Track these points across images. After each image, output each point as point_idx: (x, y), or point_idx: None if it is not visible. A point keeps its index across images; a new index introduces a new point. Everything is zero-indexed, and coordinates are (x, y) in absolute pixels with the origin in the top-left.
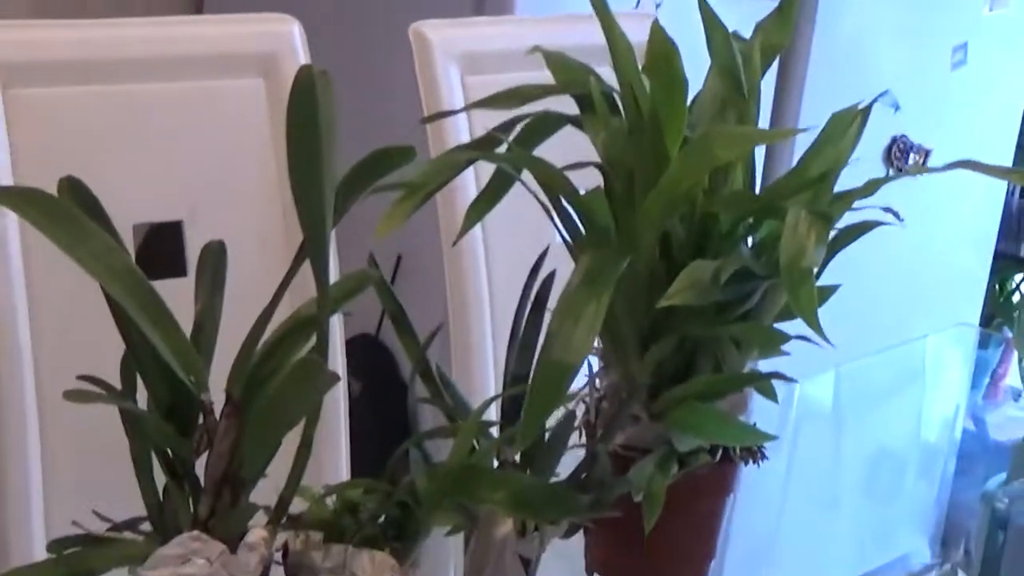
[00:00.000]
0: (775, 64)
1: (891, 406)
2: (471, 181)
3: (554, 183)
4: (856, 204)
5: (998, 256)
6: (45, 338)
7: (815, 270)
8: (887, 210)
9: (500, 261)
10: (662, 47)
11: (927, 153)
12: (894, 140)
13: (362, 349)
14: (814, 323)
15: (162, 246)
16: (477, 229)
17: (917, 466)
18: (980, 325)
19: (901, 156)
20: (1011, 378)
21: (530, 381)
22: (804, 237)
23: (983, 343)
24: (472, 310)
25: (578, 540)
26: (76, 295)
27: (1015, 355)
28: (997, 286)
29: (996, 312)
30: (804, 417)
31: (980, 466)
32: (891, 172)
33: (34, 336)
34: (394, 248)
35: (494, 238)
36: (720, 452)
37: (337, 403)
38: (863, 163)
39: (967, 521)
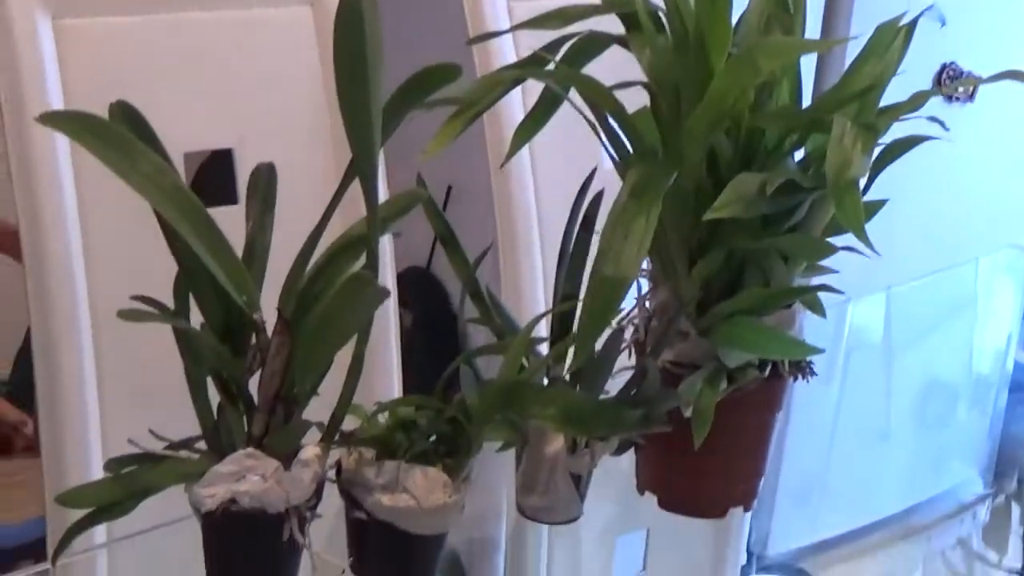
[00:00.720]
0: None
1: (943, 333)
2: (519, 106)
3: (602, 101)
4: (906, 118)
5: None
6: (98, 260)
7: (861, 181)
8: (932, 119)
9: (548, 183)
10: None
11: (977, 80)
12: (944, 67)
13: (413, 281)
14: (860, 232)
15: (214, 173)
16: (525, 152)
17: (969, 396)
18: None
19: (951, 83)
20: None
21: (582, 298)
22: (849, 148)
23: None
24: (520, 232)
25: (630, 459)
26: (128, 218)
27: None
28: None
29: None
30: (855, 343)
31: None
32: (940, 98)
33: (87, 258)
34: (445, 178)
35: (542, 161)
36: (769, 367)
37: (388, 325)
38: (913, 87)
39: (1020, 452)
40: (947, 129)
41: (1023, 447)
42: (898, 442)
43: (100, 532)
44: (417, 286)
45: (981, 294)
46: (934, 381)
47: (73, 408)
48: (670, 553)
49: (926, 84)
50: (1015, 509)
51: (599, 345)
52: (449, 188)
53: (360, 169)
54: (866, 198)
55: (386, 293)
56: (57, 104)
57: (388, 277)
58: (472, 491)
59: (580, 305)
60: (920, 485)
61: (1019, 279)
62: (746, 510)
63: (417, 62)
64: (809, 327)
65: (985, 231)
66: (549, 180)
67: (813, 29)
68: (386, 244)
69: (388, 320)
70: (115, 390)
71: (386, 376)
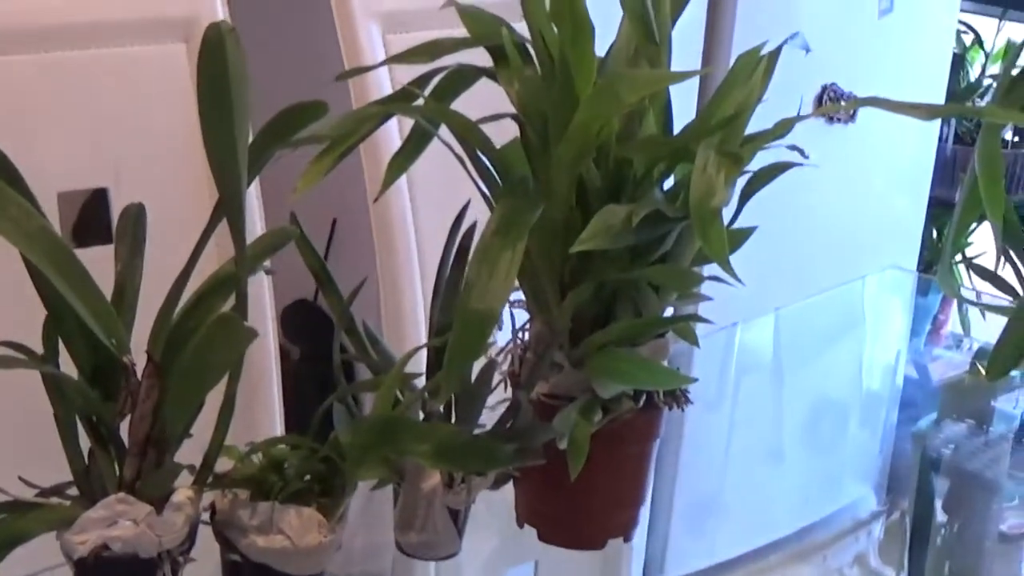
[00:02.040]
0: (704, 11)
1: (832, 352)
2: (396, 138)
3: (469, 135)
4: (775, 145)
5: (933, 202)
6: None
7: (727, 211)
8: (792, 148)
9: (427, 215)
10: None
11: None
12: (824, 88)
13: (300, 314)
14: (724, 262)
15: (95, 212)
16: (403, 185)
17: (859, 414)
18: (919, 271)
19: (829, 104)
20: (953, 325)
21: (451, 332)
22: (713, 177)
23: (923, 290)
24: (401, 265)
25: (512, 491)
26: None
27: (955, 301)
28: (935, 232)
29: (934, 259)
30: (745, 366)
31: (923, 413)
32: (820, 119)
33: None
34: (330, 211)
35: (420, 193)
36: (644, 397)
37: (268, 363)
38: (791, 110)
39: (911, 468)
40: (806, 156)
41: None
42: (791, 462)
43: None
44: (304, 319)
45: (868, 313)
46: (825, 400)
47: None
48: None
49: (808, 106)
50: (908, 525)
51: (473, 378)
52: (334, 221)
53: (227, 209)
54: (736, 225)
55: (254, 334)
56: None
57: (267, 314)
58: (358, 526)
59: None
60: (815, 504)
61: (905, 297)
62: (626, 540)
63: (295, 97)
64: (698, 352)
65: (870, 250)
66: (429, 212)
67: (693, 56)
68: (264, 280)
69: (268, 358)
70: None
71: (268, 414)
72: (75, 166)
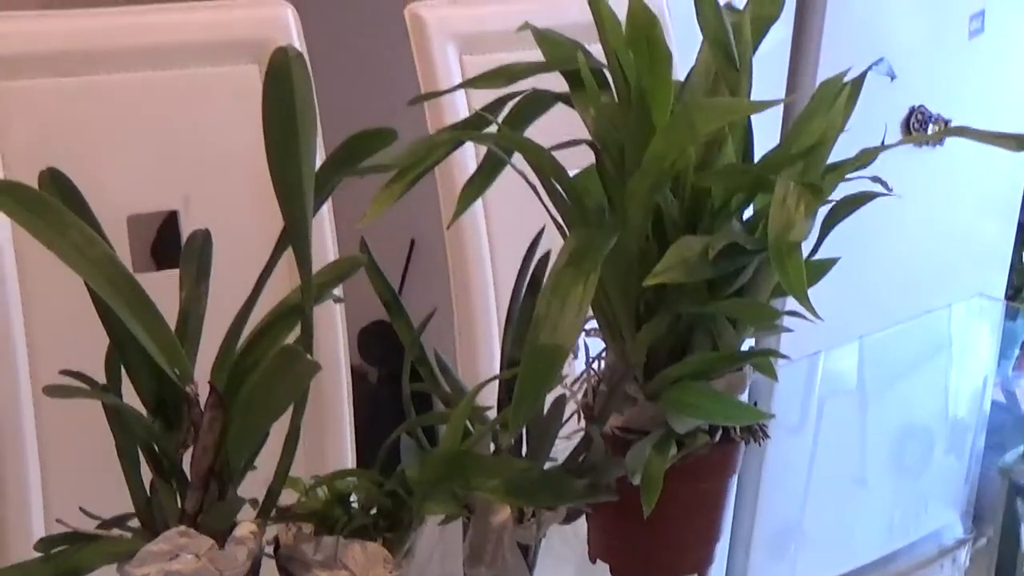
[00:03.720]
0: (789, 36)
1: (917, 379)
2: (472, 160)
3: (543, 164)
4: (858, 176)
5: (1022, 228)
6: (40, 334)
7: (806, 244)
8: (875, 179)
9: (503, 242)
10: (642, 17)
11: (946, 123)
12: (912, 111)
13: (377, 336)
14: (803, 298)
15: (167, 235)
16: (479, 211)
17: (946, 440)
18: (1007, 298)
19: (920, 127)
20: None
21: (520, 366)
22: (792, 210)
23: (1011, 315)
24: (475, 293)
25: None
26: (70, 288)
27: None
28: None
29: (1023, 285)
30: (828, 392)
31: (1011, 439)
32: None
33: (29, 332)
34: (408, 232)
35: (496, 218)
36: (720, 432)
37: (340, 392)
38: (876, 134)
39: (999, 495)
40: (889, 189)
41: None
42: (876, 488)
43: None
44: (381, 340)
45: (955, 339)
46: (911, 426)
47: (15, 488)
48: None
49: (895, 129)
50: (996, 555)
51: (545, 410)
52: (412, 242)
53: (292, 237)
54: (817, 255)
55: (317, 367)
56: None
57: (339, 341)
58: (431, 557)
59: None
60: (899, 531)
61: (993, 324)
62: None
63: (370, 120)
64: (782, 378)
65: (957, 277)
66: (505, 238)
67: (777, 82)
68: (335, 307)
69: (339, 386)
70: (59, 468)
71: (338, 444)
72: (145, 189)
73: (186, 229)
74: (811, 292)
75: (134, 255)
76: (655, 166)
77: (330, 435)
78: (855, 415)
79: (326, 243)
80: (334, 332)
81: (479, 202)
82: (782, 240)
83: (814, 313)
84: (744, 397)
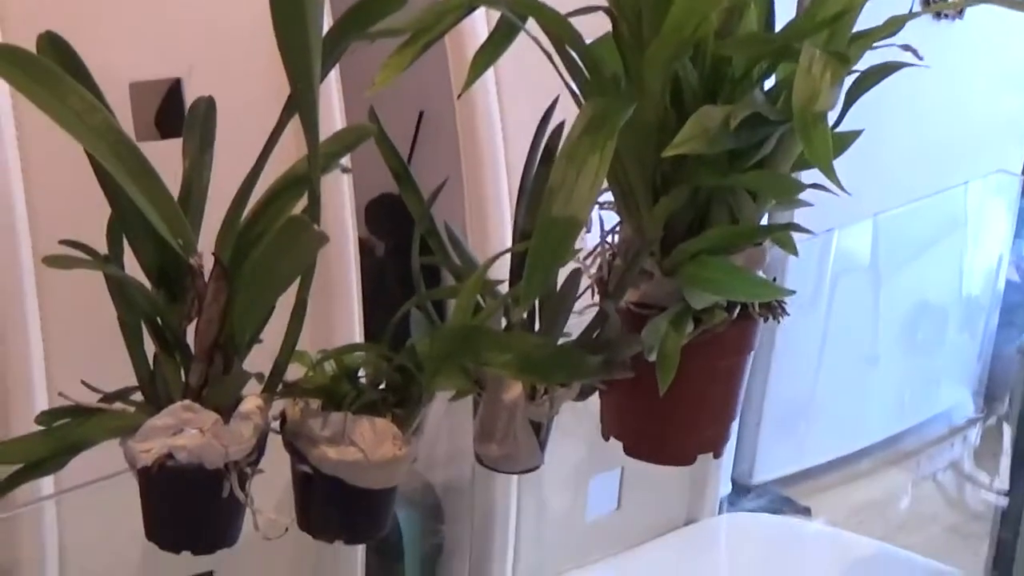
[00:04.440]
0: None
1: (931, 257)
2: (483, 28)
3: (558, 29)
4: (881, 45)
5: None
6: (41, 203)
7: (831, 114)
8: (906, 48)
9: (514, 112)
10: None
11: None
12: None
13: (384, 208)
14: (828, 169)
15: (171, 103)
16: (491, 80)
17: (959, 318)
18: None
19: (942, 2)
20: None
21: (532, 238)
22: (818, 78)
23: None
24: (486, 164)
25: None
26: (70, 157)
27: None
28: None
29: None
30: (841, 270)
31: None
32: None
33: (29, 201)
34: (417, 103)
35: (507, 88)
36: (738, 308)
37: (348, 265)
38: (893, 6)
39: (1011, 374)
40: (920, 57)
41: (1013, 368)
42: (887, 366)
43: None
44: (389, 213)
45: (971, 217)
46: (924, 304)
47: (17, 361)
48: (645, 492)
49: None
50: (1006, 430)
51: (558, 285)
52: (421, 113)
53: (299, 104)
54: (840, 129)
55: (324, 239)
56: None
57: (346, 213)
58: (440, 432)
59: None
60: (910, 409)
61: (1009, 201)
62: (716, 456)
63: None
64: (792, 256)
65: (974, 154)
66: (516, 108)
67: None
68: (343, 178)
69: (347, 259)
70: (60, 337)
71: (346, 318)
72: (148, 55)
73: (190, 97)
74: (816, 173)
75: (137, 123)
76: (675, 33)
77: (337, 308)
78: (868, 293)
79: (333, 112)
80: (341, 203)
81: (490, 71)
82: (807, 110)
83: (839, 185)
84: (762, 273)
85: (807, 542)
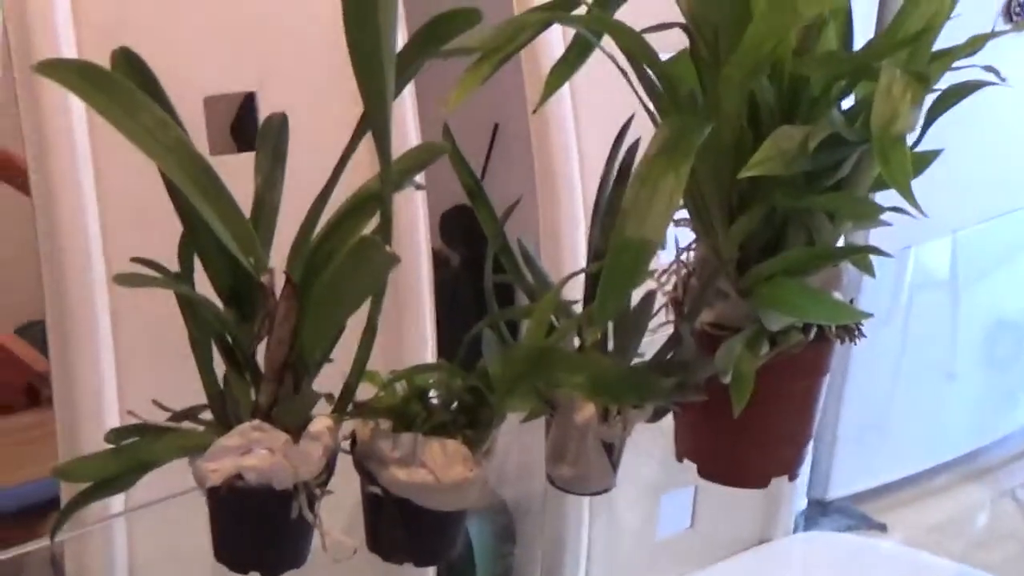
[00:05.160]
0: None
1: (1010, 272)
2: (559, 43)
3: (634, 47)
4: (962, 64)
5: None
6: (114, 220)
7: (909, 135)
8: (988, 69)
9: (590, 129)
10: None
11: None
12: None
13: (460, 220)
14: (907, 192)
15: (246, 117)
16: (566, 96)
17: None
18: None
19: (1021, 11)
20: None
21: (605, 260)
22: (898, 100)
23: None
24: (560, 182)
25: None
26: (144, 174)
27: None
28: None
29: None
30: (919, 286)
31: None
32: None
33: (103, 218)
34: (492, 116)
35: (583, 105)
36: (814, 330)
37: (421, 282)
38: (979, 21)
39: None
40: (1003, 78)
41: None
42: (965, 382)
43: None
44: (464, 224)
45: None
46: (1002, 320)
47: (88, 380)
48: (719, 510)
49: (994, 14)
50: None
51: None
52: (496, 126)
53: (372, 122)
54: (918, 148)
55: (396, 259)
56: (68, 49)
57: (420, 229)
58: (512, 447)
59: None
60: (988, 425)
61: None
62: (791, 479)
63: (455, 1)
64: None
65: None
66: (592, 126)
67: None
68: (416, 194)
69: (420, 275)
70: (131, 355)
71: (418, 336)
72: (222, 69)
73: (264, 111)
74: (894, 195)
75: (212, 137)
76: (753, 51)
77: (409, 325)
78: (946, 308)
79: (407, 129)
80: (415, 220)
81: (566, 87)
82: (886, 132)
83: (918, 208)
84: (839, 295)
85: (884, 562)
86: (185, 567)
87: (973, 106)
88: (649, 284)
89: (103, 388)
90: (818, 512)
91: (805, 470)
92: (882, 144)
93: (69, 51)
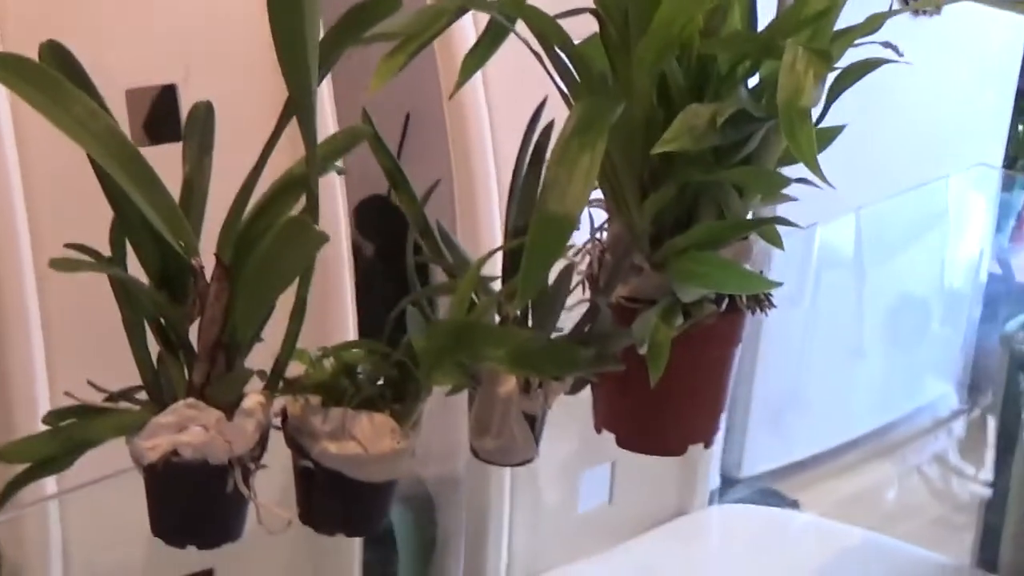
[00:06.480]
0: None
1: (914, 250)
2: (472, 31)
3: (547, 32)
4: (862, 42)
5: (1020, 96)
6: (43, 208)
7: (815, 110)
8: (887, 45)
9: (503, 113)
10: None
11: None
12: None
13: (374, 210)
14: (813, 164)
15: (161, 110)
16: (478, 82)
17: (942, 311)
18: (1003, 167)
19: None
20: None
21: (527, 236)
22: (802, 75)
23: (1007, 185)
24: (476, 165)
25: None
26: (72, 159)
27: None
28: (1021, 127)
29: (1019, 154)
30: (825, 263)
31: (1006, 310)
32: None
33: (30, 206)
34: (404, 104)
35: (496, 89)
36: (726, 301)
37: (341, 264)
38: (873, 4)
39: (994, 366)
40: (900, 54)
41: (997, 360)
42: (872, 359)
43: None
44: (378, 215)
45: (953, 210)
46: (907, 297)
47: (20, 363)
48: (637, 485)
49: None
50: (990, 422)
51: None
52: (408, 115)
53: (297, 108)
54: (822, 124)
55: (324, 238)
56: None
57: (340, 214)
58: (434, 427)
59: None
60: (895, 402)
61: (990, 195)
62: (707, 447)
63: None
64: (777, 251)
65: (955, 147)
66: (505, 109)
67: None
68: (336, 180)
69: (341, 259)
70: (63, 343)
71: (341, 317)
72: (143, 63)
73: (185, 103)
74: (801, 168)
75: (133, 129)
76: (662, 32)
77: (332, 307)
78: (852, 286)
79: (326, 116)
80: (335, 204)
81: (478, 73)
82: (792, 106)
83: (824, 180)
84: (749, 267)
85: (797, 532)
86: (121, 547)
87: (876, 86)
88: (563, 262)
89: (35, 373)
90: (732, 488)
91: (719, 447)
92: (789, 118)
93: None
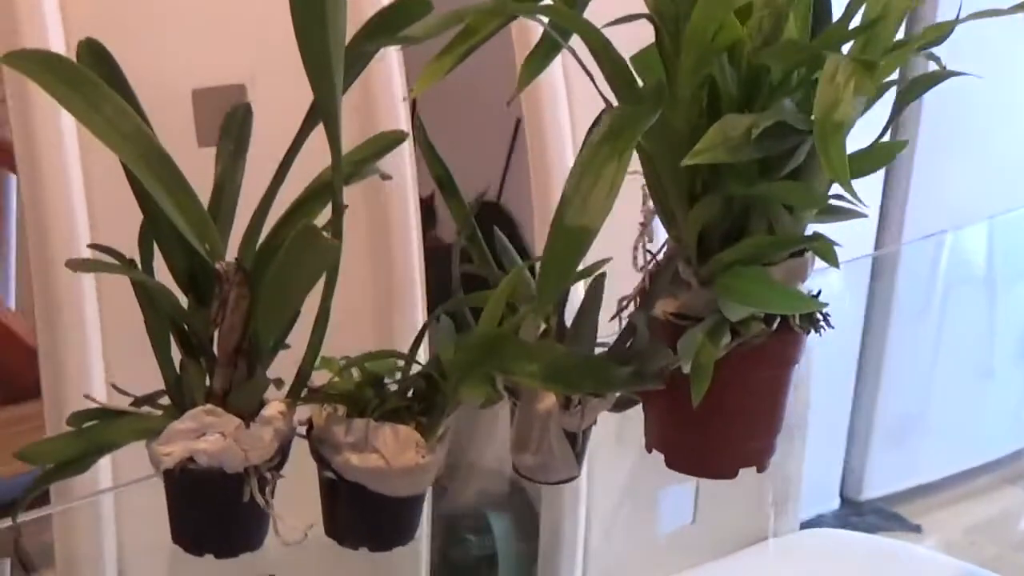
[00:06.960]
0: None
1: None
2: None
3: (595, 43)
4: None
5: None
6: (103, 207)
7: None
8: (931, 57)
9: (585, 120)
10: None
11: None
12: None
13: (481, 214)
14: (844, 180)
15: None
16: (559, 89)
17: None
18: None
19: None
20: None
21: (544, 247)
22: (841, 87)
23: None
24: (553, 171)
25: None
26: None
27: None
28: None
29: None
30: (954, 276)
31: None
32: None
33: (90, 206)
34: (515, 112)
35: (578, 96)
36: (777, 321)
37: (411, 267)
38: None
39: None
40: (943, 66)
41: None
42: (1003, 380)
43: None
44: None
45: None
46: None
47: (74, 354)
48: (721, 505)
49: None
50: None
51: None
52: (518, 121)
53: (322, 112)
54: (919, 134)
55: (336, 246)
56: (57, 41)
57: (410, 212)
58: (486, 442)
59: None
60: None
61: None
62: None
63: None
64: (905, 260)
65: None
66: (587, 116)
67: None
68: (407, 179)
69: (412, 261)
70: (118, 339)
71: (411, 326)
72: (210, 63)
73: (255, 103)
74: (937, 169)
75: (200, 129)
76: (697, 38)
77: (399, 311)
78: (983, 300)
79: (399, 114)
80: (406, 204)
81: (562, 80)
82: (826, 119)
83: (857, 199)
84: (801, 286)
85: (883, 560)
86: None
87: (1009, 88)
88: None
89: (91, 374)
90: (851, 512)
91: (838, 469)
92: (822, 131)
93: (57, 44)
